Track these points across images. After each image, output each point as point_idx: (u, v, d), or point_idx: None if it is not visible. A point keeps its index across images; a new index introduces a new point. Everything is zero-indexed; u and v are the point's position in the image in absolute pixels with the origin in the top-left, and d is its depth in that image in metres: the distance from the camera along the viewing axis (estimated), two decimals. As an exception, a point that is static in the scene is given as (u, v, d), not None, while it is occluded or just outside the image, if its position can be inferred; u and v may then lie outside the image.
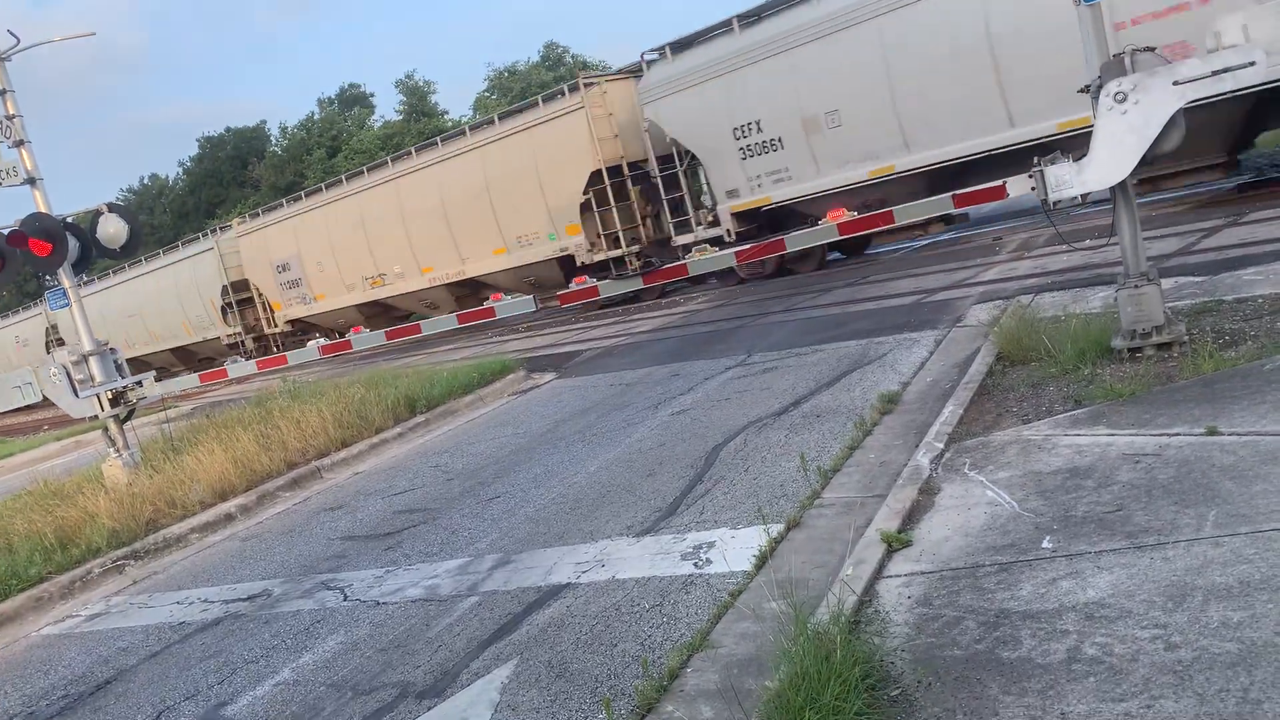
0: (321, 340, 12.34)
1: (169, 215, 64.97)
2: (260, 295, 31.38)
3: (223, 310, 32.12)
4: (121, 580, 9.14)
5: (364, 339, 12.44)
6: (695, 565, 5.69)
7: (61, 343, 36.40)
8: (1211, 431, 5.17)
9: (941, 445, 6.32)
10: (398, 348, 23.55)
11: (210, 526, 10.13)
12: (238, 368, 13.51)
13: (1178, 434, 5.32)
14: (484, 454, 10.24)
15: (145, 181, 70.93)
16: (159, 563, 9.45)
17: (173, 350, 35.53)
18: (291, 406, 13.15)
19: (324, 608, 6.77)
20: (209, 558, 9.17)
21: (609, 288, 11.57)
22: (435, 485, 9.47)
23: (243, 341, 31.68)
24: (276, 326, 30.84)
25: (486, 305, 10.93)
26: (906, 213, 9.49)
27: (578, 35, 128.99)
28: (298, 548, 8.61)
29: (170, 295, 34.11)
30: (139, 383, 12.39)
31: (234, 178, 62.44)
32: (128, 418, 12.31)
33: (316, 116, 60.59)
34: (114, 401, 12.02)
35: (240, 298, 31.87)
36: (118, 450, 12.02)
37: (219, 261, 31.78)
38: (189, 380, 14.89)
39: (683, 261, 10.56)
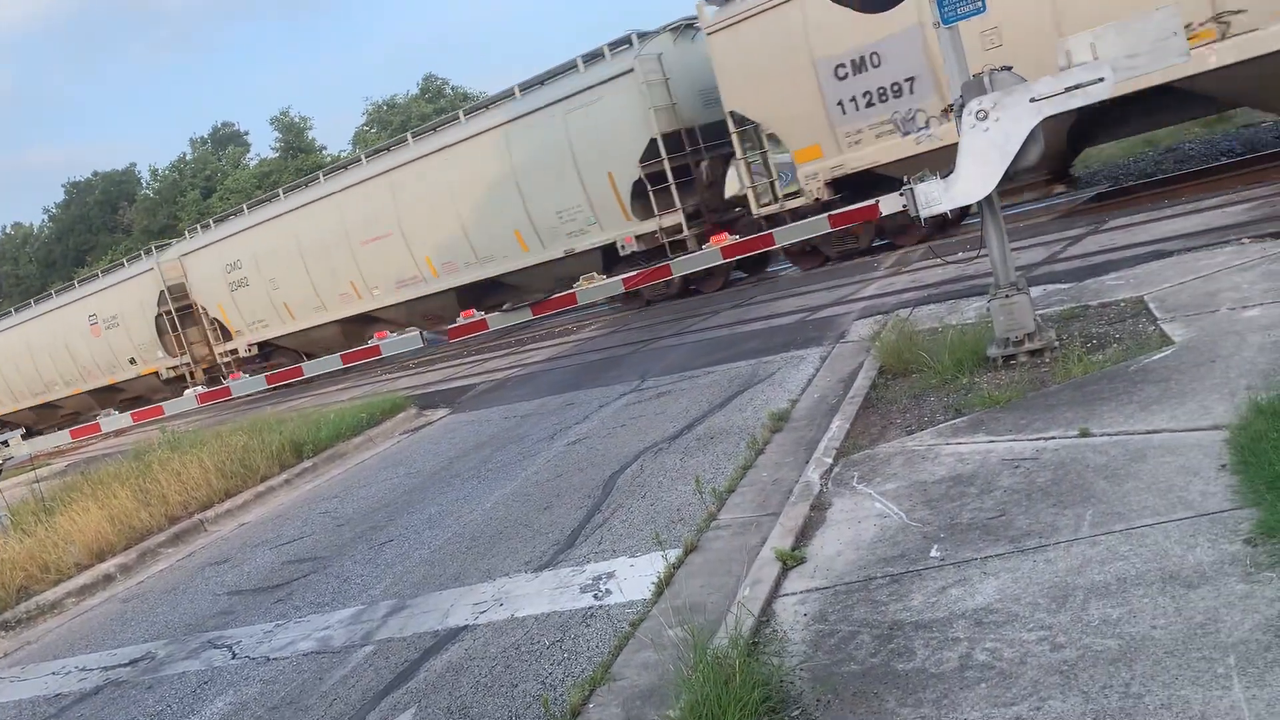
0: (199, 388, 11.87)
1: (35, 265, 61.99)
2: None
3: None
4: (-11, 654, 8.59)
5: (244, 384, 12.02)
6: (595, 597, 5.63)
7: None
8: (1084, 433, 5.38)
9: (830, 460, 6.41)
10: (280, 391, 22.82)
11: (88, 589, 9.62)
12: (111, 421, 12.91)
13: (1053, 437, 5.51)
14: (375, 497, 9.99)
15: (8, 230, 67.58)
16: (32, 632, 8.93)
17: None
18: (171, 458, 12.62)
19: (211, 667, 6.48)
20: (87, 622, 8.70)
21: (497, 320, 11.43)
22: (325, 532, 9.19)
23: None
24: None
25: (371, 344, 10.69)
26: (787, 234, 9.65)
27: (454, 67, 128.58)
28: (182, 606, 8.23)
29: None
30: (4, 442, 11.73)
31: (104, 223, 60.00)
32: (-7, 480, 11.63)
33: (189, 157, 58.80)
34: (-24, 464, 11.34)
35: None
36: (-18, 515, 11.33)
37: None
38: (60, 437, 14.18)
39: (571, 291, 10.51)
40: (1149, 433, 5.13)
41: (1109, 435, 5.27)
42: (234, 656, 6.56)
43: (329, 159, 49.10)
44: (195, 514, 11.11)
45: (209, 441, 13.19)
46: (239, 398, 15.20)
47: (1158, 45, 6.78)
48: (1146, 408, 5.49)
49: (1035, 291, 8.64)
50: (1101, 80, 6.60)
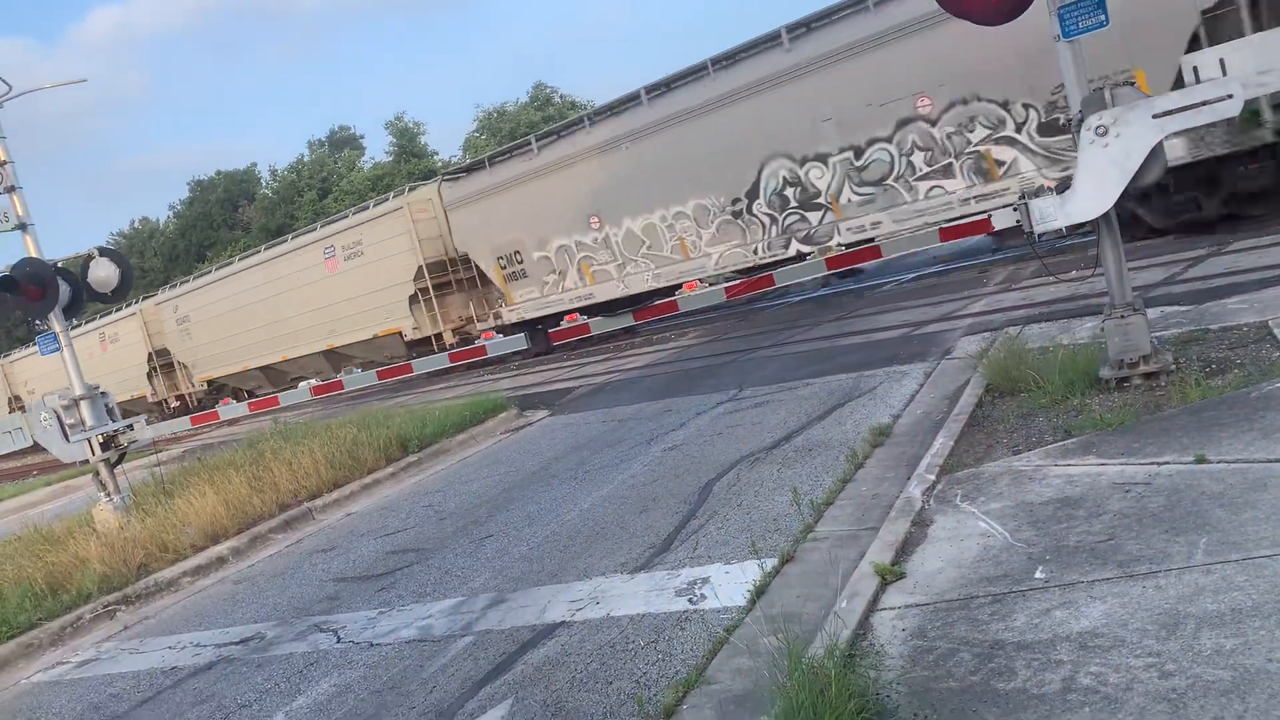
0: (313, 381, 12.31)
1: (159, 259, 65.00)
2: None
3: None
4: (113, 626, 9.07)
5: (355, 379, 12.43)
6: (690, 601, 5.68)
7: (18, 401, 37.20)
8: (1200, 460, 5.21)
9: (933, 477, 6.34)
10: (389, 387, 23.51)
11: (202, 570, 10.07)
12: (229, 410, 13.50)
13: (1167, 463, 5.35)
14: (476, 493, 10.22)
15: (135, 225, 71.04)
16: (151, 607, 9.38)
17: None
18: (283, 448, 13.13)
19: (317, 650, 6.73)
20: (201, 601, 9.11)
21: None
22: (428, 525, 9.44)
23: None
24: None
25: (478, 345, 10.94)
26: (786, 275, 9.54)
27: (565, 75, 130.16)
28: (290, 590, 8.56)
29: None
30: (130, 426, 12.37)
31: (224, 220, 62.59)
32: (119, 462, 12.28)
33: (306, 158, 60.92)
34: (105, 446, 11.99)
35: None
36: (109, 495, 11.98)
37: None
38: (181, 423, 14.87)
39: (673, 299, 10.60)
40: (1270, 461, 4.95)
41: (1227, 463, 5.10)
42: (339, 640, 6.80)
43: (440, 164, 50.29)
44: (304, 502, 11.53)
45: (319, 433, 13.69)
46: (349, 392, 15.70)
47: (1293, 61, 6.55)
48: (1268, 435, 5.29)
49: (1152, 313, 8.39)
50: (1230, 97, 6.39)
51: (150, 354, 33.69)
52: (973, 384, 8.45)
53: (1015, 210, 7.27)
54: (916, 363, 10.52)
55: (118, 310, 34.94)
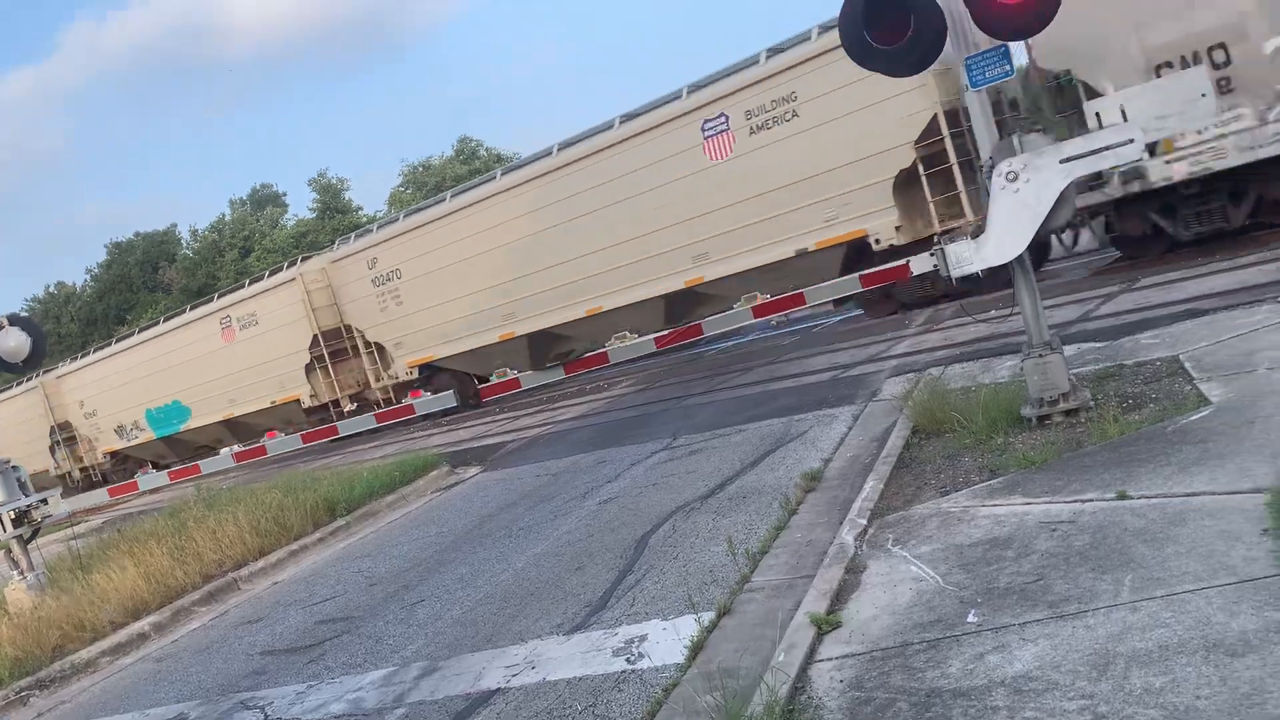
0: (236, 447, 12.00)
1: (76, 324, 63.19)
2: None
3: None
4: (26, 713, 8.65)
5: (279, 443, 12.15)
6: (627, 661, 5.59)
7: None
8: (1122, 496, 5.31)
9: (865, 521, 6.37)
10: (318, 449, 23.02)
11: (122, 648, 9.66)
12: (149, 479, 13.06)
13: (1090, 500, 5.45)
14: (408, 556, 10.01)
15: (51, 290, 69.07)
16: (67, 691, 8.97)
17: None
18: (207, 516, 12.72)
19: (243, 730, 6.47)
20: (121, 682, 8.73)
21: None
22: (358, 592, 9.20)
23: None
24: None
25: (405, 404, 10.78)
26: (818, 293, 9.68)
27: (489, 129, 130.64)
28: (215, 666, 8.25)
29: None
30: (44, 500, 11.89)
31: (144, 282, 61.18)
32: (32, 538, 11.78)
33: (228, 217, 59.99)
34: (17, 521, 11.49)
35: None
36: (21, 573, 11.46)
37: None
38: (98, 495, 14.35)
39: (603, 349, 10.60)
40: (1188, 495, 5.07)
41: (1147, 498, 5.21)
42: (265, 718, 6.56)
43: (365, 219, 49.91)
44: (229, 572, 11.17)
45: (244, 499, 13.30)
46: (275, 456, 15.34)
47: (1187, 107, 6.83)
48: (1185, 470, 5.43)
49: (1069, 350, 8.60)
50: (1131, 142, 6.63)
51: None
52: (899, 426, 8.55)
53: (932, 255, 7.42)
54: (845, 405, 10.63)
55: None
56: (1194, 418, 6.29)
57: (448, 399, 10.96)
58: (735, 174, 17.14)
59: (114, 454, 31.93)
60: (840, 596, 5.31)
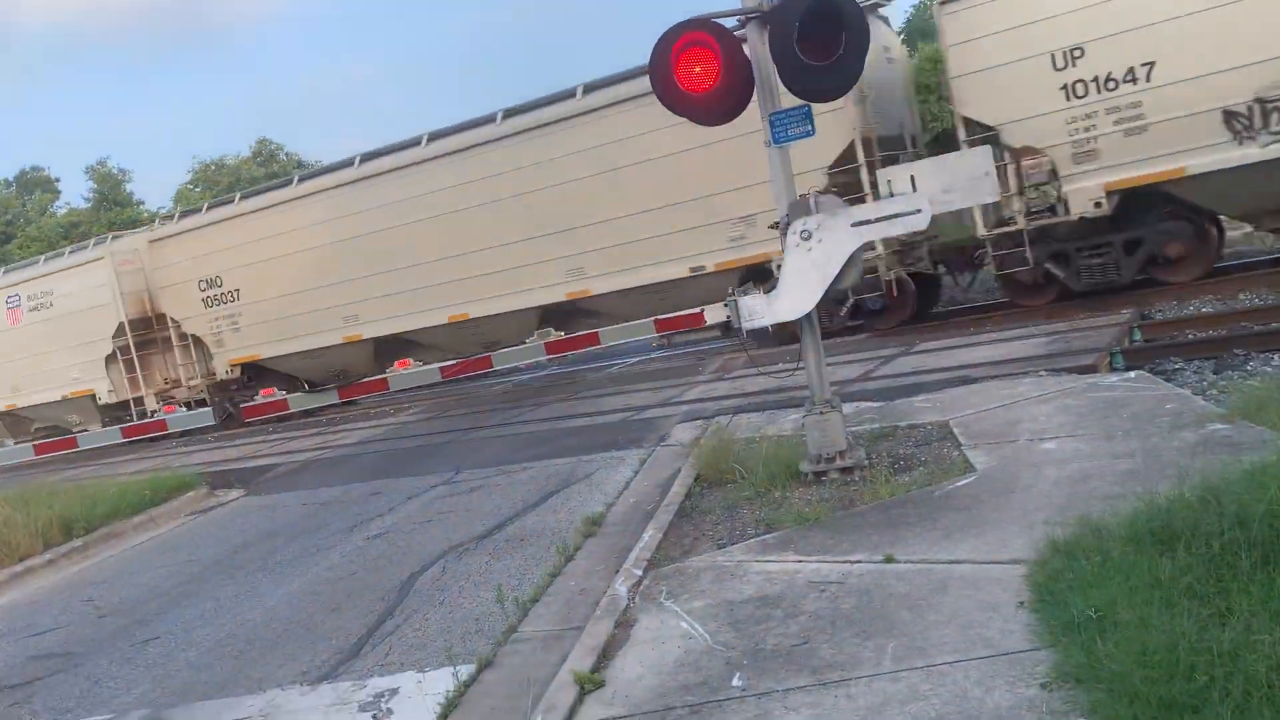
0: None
1: None
2: None
3: None
4: None
5: (6, 452, 10.85)
6: (374, 717, 5.14)
7: None
8: (889, 559, 5.36)
9: (640, 572, 6.19)
10: (67, 458, 20.93)
11: None
12: None
13: (859, 561, 5.47)
14: (148, 585, 9.08)
15: None
16: None
17: None
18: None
19: (-88, 789, 5.56)
20: None
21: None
22: (84, 624, 8.24)
23: None
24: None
25: (156, 419, 9.85)
26: (612, 334, 9.55)
27: (292, 133, 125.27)
28: (-104, 708, 7.13)
29: None
30: None
31: (-123, 260, 54.68)
32: None
33: (-12, 198, 54.62)
34: None
35: None
36: None
37: None
38: None
39: (383, 376, 10.05)
40: (951, 562, 5.16)
41: (912, 563, 5.27)
42: (-56, 774, 5.66)
43: (146, 214, 46.58)
44: (-67, 595, 9.81)
45: (-36, 512, 11.80)
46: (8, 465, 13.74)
47: (971, 183, 7.13)
48: (950, 535, 5.55)
49: (847, 408, 8.79)
50: (919, 211, 6.86)
51: None
52: (684, 473, 8.49)
53: (726, 306, 7.41)
54: (633, 448, 10.52)
55: None
56: (960, 483, 6.49)
57: (205, 416, 10.08)
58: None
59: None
60: (608, 652, 5.08)
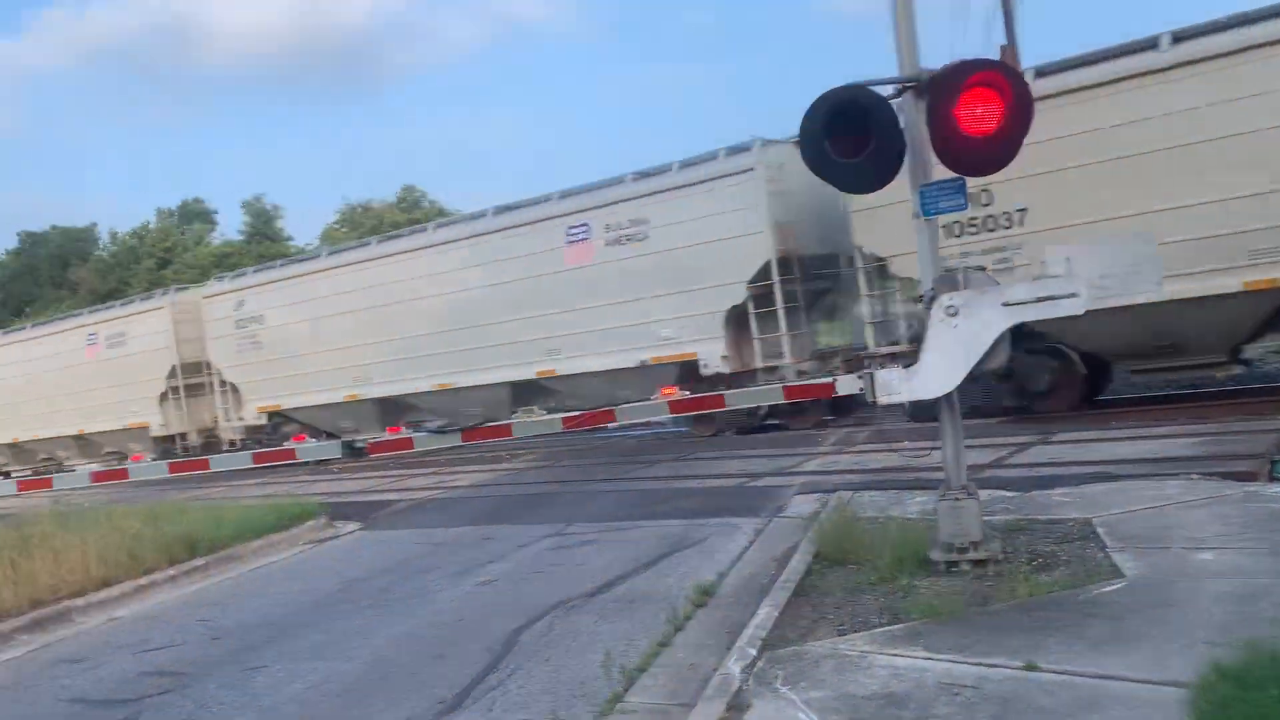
0: (96, 466, 11.10)
1: (-29, 307, 60.21)
2: None
3: None
4: None
5: (143, 468, 11.28)
6: (473, 777, 4.99)
7: None
8: (1031, 667, 4.95)
9: (755, 651, 5.90)
10: (193, 479, 21.75)
11: (-83, 673, 8.60)
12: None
13: (996, 665, 5.08)
14: (262, 611, 9.20)
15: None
16: None
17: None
18: (55, 534, 11.67)
19: (23, 795, 5.64)
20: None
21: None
22: (197, 644, 8.38)
23: None
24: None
25: (287, 447, 10.09)
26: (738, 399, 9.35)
27: (436, 181, 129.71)
28: (18, 709, 7.34)
29: None
30: None
31: (52, 278, 58.64)
32: None
33: (153, 225, 58.17)
34: None
35: None
36: None
37: None
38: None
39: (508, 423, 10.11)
40: (1101, 677, 4.73)
41: (1057, 673, 4.86)
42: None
43: (294, 249, 48.81)
44: (64, 600, 10.16)
45: (101, 521, 12.29)
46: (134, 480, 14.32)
47: (1131, 272, 6.74)
48: (1097, 647, 5.11)
49: (981, 495, 8.37)
50: (1075, 296, 6.49)
51: None
52: (802, 548, 8.17)
53: (860, 378, 7.15)
54: (749, 516, 10.24)
55: None
56: (1108, 589, 6.02)
57: (333, 449, 10.29)
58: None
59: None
60: (718, 736, 4.82)
